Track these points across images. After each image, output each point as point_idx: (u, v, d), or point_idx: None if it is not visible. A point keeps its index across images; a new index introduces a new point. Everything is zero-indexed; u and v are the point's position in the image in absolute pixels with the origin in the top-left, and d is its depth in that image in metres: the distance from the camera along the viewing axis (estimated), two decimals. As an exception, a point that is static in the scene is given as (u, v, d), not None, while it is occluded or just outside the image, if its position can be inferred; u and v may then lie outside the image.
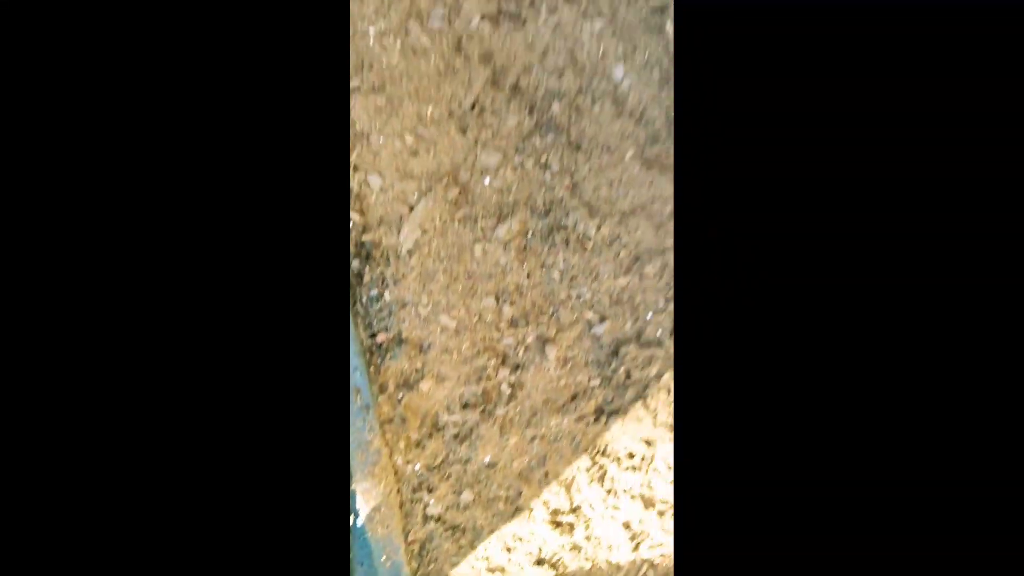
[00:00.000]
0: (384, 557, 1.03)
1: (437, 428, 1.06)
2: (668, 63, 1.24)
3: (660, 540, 1.14)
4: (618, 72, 1.22)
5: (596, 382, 1.12)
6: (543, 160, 1.16)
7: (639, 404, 1.14)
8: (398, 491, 1.03)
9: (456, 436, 1.07)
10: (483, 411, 1.07)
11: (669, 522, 1.11)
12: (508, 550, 1.12)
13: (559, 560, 1.13)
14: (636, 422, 1.14)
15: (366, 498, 1.03)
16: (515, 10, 1.17)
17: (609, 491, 1.11)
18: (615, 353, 1.13)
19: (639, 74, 1.21)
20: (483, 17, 1.15)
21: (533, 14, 1.17)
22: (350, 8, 1.10)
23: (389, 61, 1.10)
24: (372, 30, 1.10)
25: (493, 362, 1.08)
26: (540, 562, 1.13)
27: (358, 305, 1.08)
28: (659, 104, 1.22)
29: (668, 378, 1.14)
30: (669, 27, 1.24)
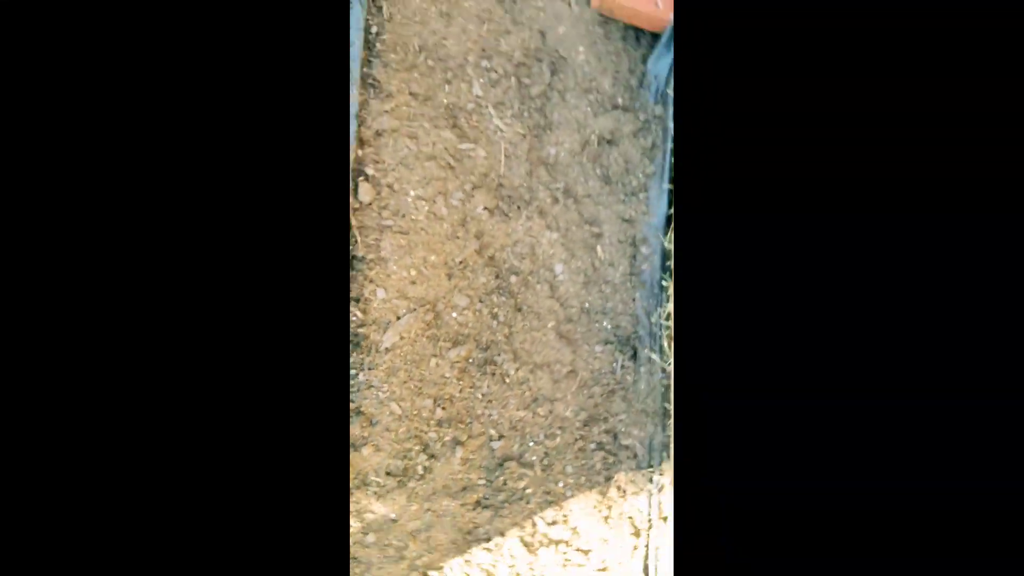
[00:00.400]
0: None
1: (365, 484, 1.40)
2: (592, 272, 1.81)
3: (489, 612, 1.52)
4: (558, 268, 1.76)
5: (482, 482, 1.53)
6: (494, 312, 1.64)
7: (506, 505, 1.57)
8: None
9: (376, 493, 1.41)
10: (400, 481, 1.43)
11: (502, 596, 1.50)
12: (374, 594, 1.43)
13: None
14: (500, 518, 1.55)
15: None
16: (506, 210, 1.70)
17: (467, 561, 1.49)
18: (501, 465, 1.56)
19: (571, 275, 1.77)
20: (485, 207, 1.66)
21: (516, 215, 1.71)
22: (400, 175, 1.56)
23: (417, 217, 1.56)
24: (412, 193, 1.56)
25: (417, 448, 1.47)
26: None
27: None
28: (579, 298, 1.77)
29: (530, 492, 1.59)
30: (600, 249, 1.83)
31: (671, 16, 1.86)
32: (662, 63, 1.87)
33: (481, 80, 1.72)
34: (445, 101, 1.66)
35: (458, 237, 1.61)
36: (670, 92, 1.84)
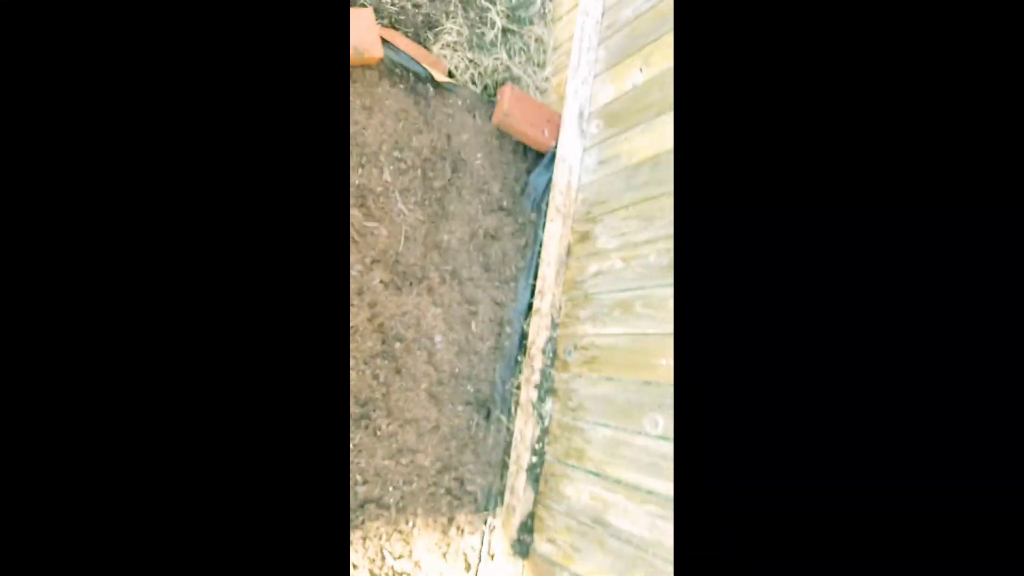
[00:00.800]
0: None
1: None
2: (465, 343, 2.14)
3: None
4: (438, 338, 2.07)
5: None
6: (376, 373, 1.89)
7: (361, 540, 1.80)
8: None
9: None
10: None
11: (349, 623, 1.72)
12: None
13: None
14: (354, 552, 1.78)
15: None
16: (400, 284, 1.97)
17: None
18: (362, 506, 1.80)
19: (448, 344, 2.09)
20: (381, 280, 1.92)
21: (408, 290, 1.99)
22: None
23: (319, 285, 1.76)
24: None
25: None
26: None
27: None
28: (451, 364, 2.09)
29: (383, 530, 1.85)
30: (474, 324, 2.18)
31: (554, 143, 2.31)
32: (541, 178, 2.31)
33: (391, 168, 1.99)
34: (357, 182, 1.90)
35: (354, 305, 1.84)
36: (544, 205, 2.28)
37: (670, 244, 1.66)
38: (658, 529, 1.46)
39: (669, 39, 1.89)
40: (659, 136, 1.81)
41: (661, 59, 1.90)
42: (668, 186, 1.72)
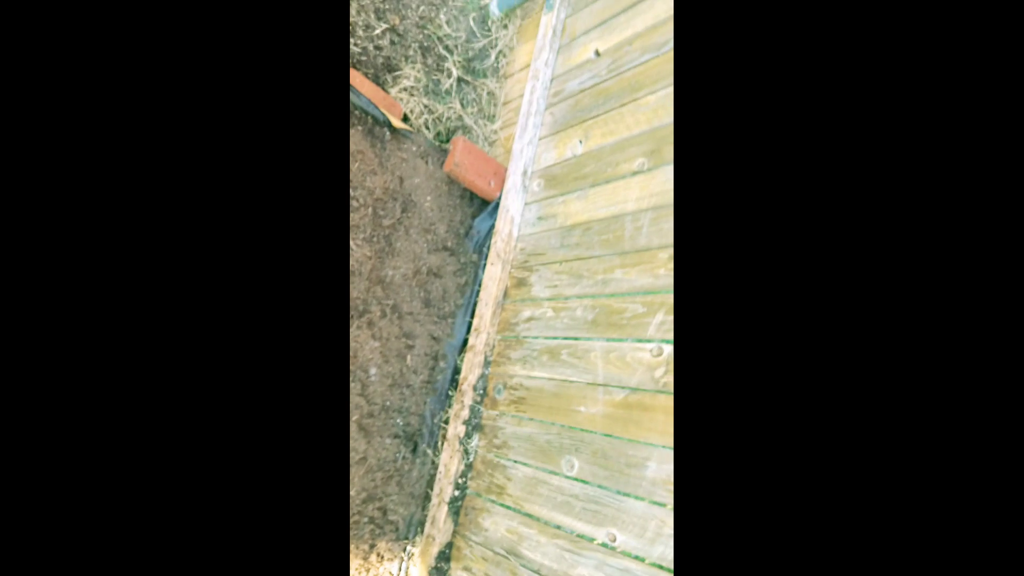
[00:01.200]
0: None
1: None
2: (399, 376, 2.24)
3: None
4: (372, 371, 2.15)
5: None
6: (310, 403, 1.94)
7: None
8: None
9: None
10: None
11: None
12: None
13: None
14: None
15: None
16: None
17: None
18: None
19: (382, 377, 2.17)
20: (324, 313, 1.98)
21: (349, 323, 2.06)
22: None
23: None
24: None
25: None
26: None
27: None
28: (382, 397, 2.17)
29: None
30: (409, 358, 2.27)
31: (499, 193, 2.49)
32: (485, 224, 2.48)
33: (344, 205, 2.08)
34: (309, 218, 1.97)
35: (294, 336, 1.89)
36: (486, 249, 2.44)
37: (595, 302, 1.87)
38: (565, 561, 1.62)
39: (607, 118, 2.13)
40: (592, 205, 2.03)
41: (599, 135, 2.14)
42: (597, 251, 1.94)
